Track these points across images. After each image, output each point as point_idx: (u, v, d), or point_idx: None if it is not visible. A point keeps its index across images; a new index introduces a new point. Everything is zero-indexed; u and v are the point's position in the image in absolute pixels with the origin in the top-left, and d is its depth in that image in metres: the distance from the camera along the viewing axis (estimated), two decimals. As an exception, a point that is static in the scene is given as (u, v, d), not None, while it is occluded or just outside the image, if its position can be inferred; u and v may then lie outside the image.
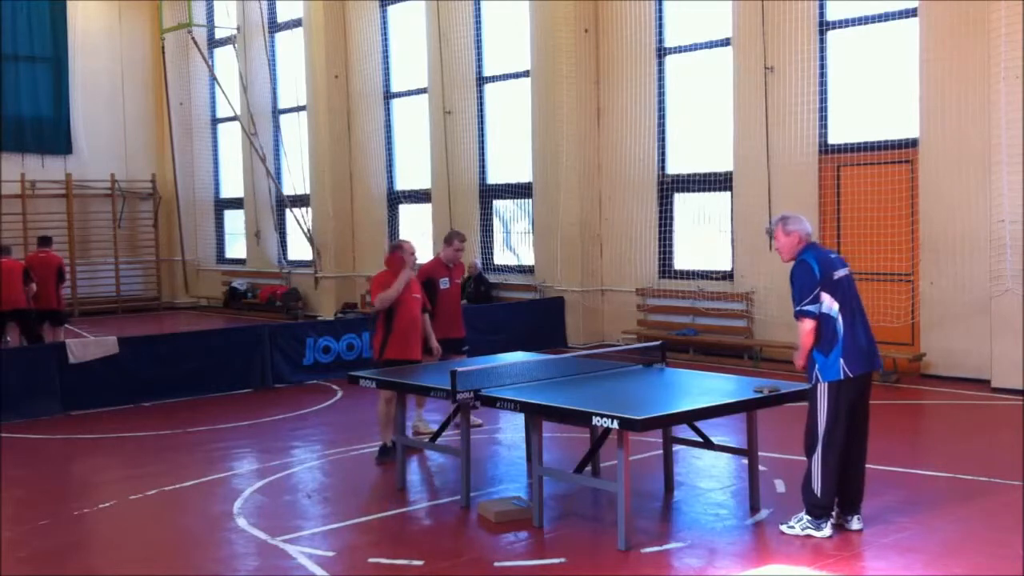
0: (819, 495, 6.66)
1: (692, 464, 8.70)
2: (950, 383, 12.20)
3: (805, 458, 6.82)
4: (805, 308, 6.66)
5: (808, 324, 6.65)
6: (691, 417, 7.17)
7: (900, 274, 12.97)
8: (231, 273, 23.77)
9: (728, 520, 7.24)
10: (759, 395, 7.15)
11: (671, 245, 15.76)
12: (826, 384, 6.66)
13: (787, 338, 14.00)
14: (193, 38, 22.32)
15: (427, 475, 8.86)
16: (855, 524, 6.80)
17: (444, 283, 10.15)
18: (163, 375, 12.41)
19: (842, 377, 6.63)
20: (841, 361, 6.62)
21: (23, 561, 6.81)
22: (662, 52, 15.74)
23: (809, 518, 6.71)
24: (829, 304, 6.66)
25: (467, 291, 17.23)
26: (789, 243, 6.83)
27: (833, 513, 6.81)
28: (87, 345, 12.15)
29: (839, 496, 6.78)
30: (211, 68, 23.31)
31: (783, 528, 6.80)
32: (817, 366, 6.69)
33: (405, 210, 20.19)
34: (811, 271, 6.68)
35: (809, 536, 6.67)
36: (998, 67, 11.62)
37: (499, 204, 18.38)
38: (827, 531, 6.68)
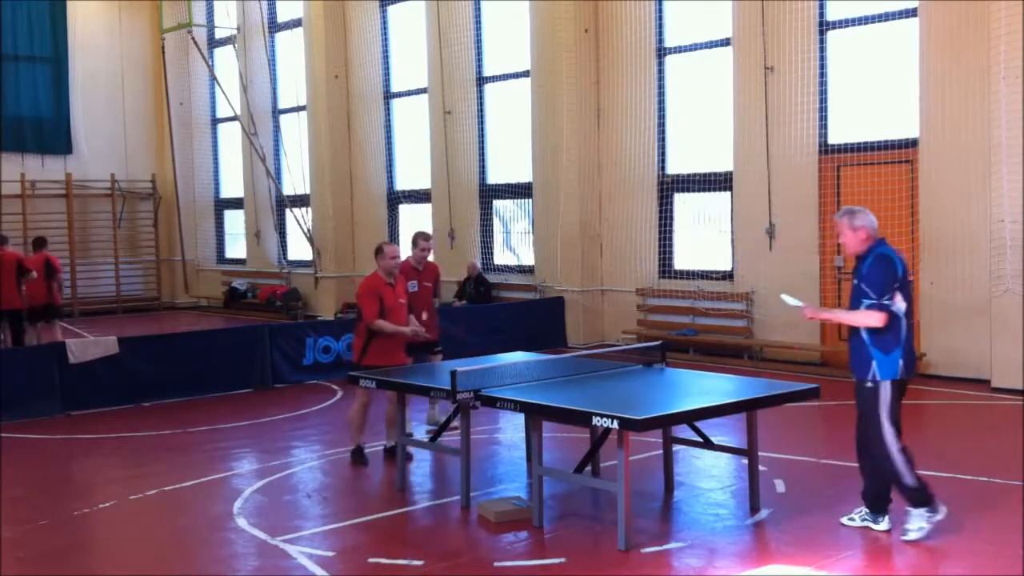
0: (914, 484, 6.60)
1: (692, 464, 8.70)
2: (950, 383, 12.19)
3: (860, 466, 6.84)
4: (885, 303, 6.52)
5: (882, 317, 6.51)
6: (691, 417, 7.16)
7: (900, 274, 12.96)
8: (231, 273, 23.77)
9: (728, 520, 7.24)
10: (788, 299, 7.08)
11: (671, 245, 15.76)
12: (888, 382, 6.58)
13: (787, 338, 14.03)
14: (193, 38, 22.32)
15: (427, 475, 8.86)
16: (885, 524, 6.80)
17: (412, 286, 10.10)
18: (163, 375, 12.40)
19: (898, 377, 6.59)
20: (900, 362, 6.58)
21: (23, 561, 6.81)
22: (662, 52, 15.74)
23: (921, 510, 6.62)
24: (899, 303, 6.60)
25: (467, 291, 17.26)
26: (856, 239, 6.71)
27: (865, 511, 6.84)
28: (87, 345, 12.15)
29: (871, 496, 6.80)
30: (211, 68, 23.31)
31: (908, 538, 6.58)
32: (875, 364, 6.60)
33: (405, 210, 20.20)
34: (894, 267, 6.60)
35: (934, 525, 6.58)
36: (998, 67, 11.62)
37: (499, 204, 18.38)
38: (943, 509, 6.63)
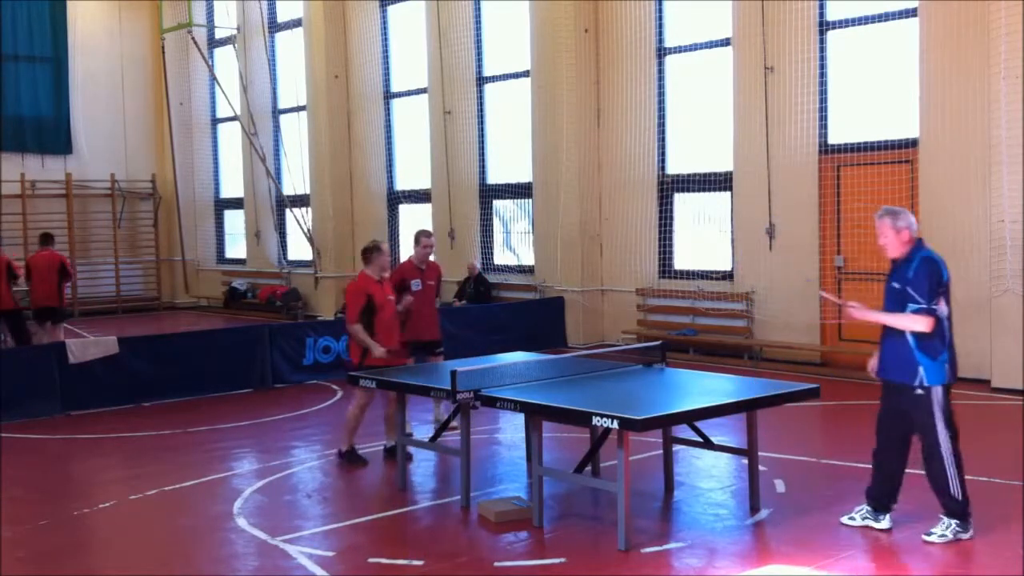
0: (959, 497, 6.57)
1: (692, 464, 8.70)
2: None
3: (874, 464, 6.81)
4: (934, 307, 6.46)
5: (931, 322, 6.45)
6: (691, 417, 7.17)
7: (900, 274, 12.95)
8: (231, 273, 23.77)
9: (728, 520, 7.24)
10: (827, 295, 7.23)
11: (671, 245, 15.76)
12: (939, 388, 6.53)
13: (787, 338, 14.03)
14: (193, 38, 22.31)
15: (427, 475, 8.86)
16: (886, 523, 6.80)
17: (416, 285, 10.11)
18: (163, 375, 12.40)
19: (947, 381, 6.56)
20: (947, 367, 6.55)
21: (23, 561, 6.81)
22: (662, 52, 15.73)
23: (957, 522, 6.58)
24: (943, 308, 6.55)
25: (467, 292, 17.26)
26: (899, 240, 6.62)
27: (866, 509, 6.85)
28: (87, 345, 12.15)
29: (876, 494, 6.80)
30: (211, 68, 23.31)
31: (931, 539, 6.55)
32: (923, 370, 6.52)
33: (405, 210, 20.20)
34: (939, 272, 6.54)
35: (959, 540, 6.53)
36: (998, 67, 11.62)
37: (499, 204, 18.38)
38: (972, 532, 6.60)
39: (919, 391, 6.56)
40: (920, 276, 6.50)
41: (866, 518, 6.86)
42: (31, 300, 15.12)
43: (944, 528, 6.58)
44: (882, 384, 6.84)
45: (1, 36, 22.00)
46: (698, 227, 15.78)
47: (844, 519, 6.95)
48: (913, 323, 6.49)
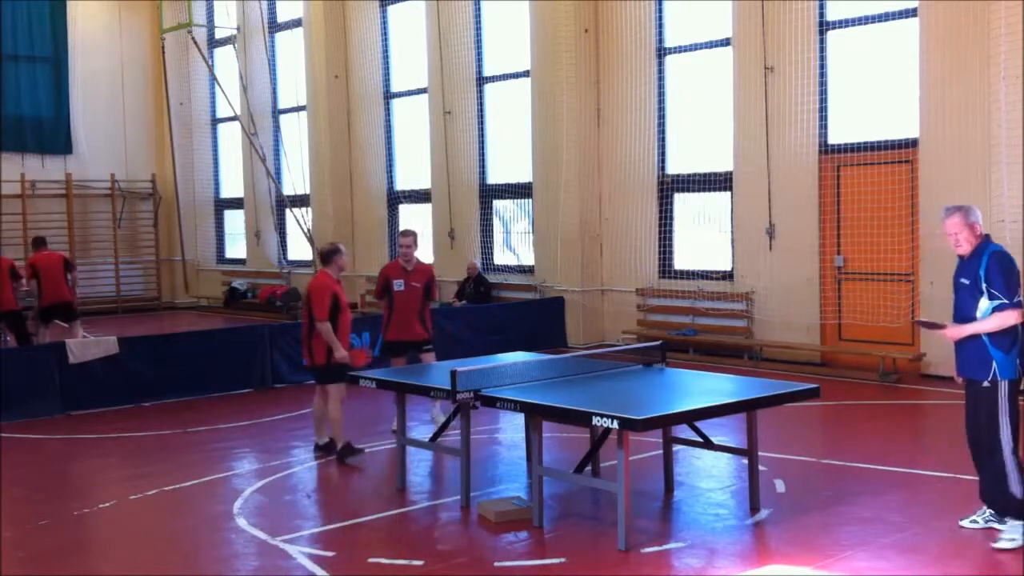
0: (1020, 495, 6.46)
1: (692, 464, 8.70)
2: (950, 383, 12.14)
3: (976, 465, 6.66)
4: (1019, 300, 6.41)
5: (1020, 314, 6.39)
6: (691, 417, 7.17)
7: (900, 274, 12.97)
8: (231, 273, 23.77)
9: (728, 520, 7.24)
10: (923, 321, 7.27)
11: (671, 245, 15.76)
12: (1006, 382, 6.48)
13: (786, 338, 14.03)
14: (193, 38, 22.31)
15: (427, 475, 8.86)
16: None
17: (398, 285, 10.12)
18: (163, 375, 12.40)
19: (1016, 376, 6.51)
20: (1017, 360, 6.51)
21: (23, 561, 6.81)
22: (662, 52, 15.73)
23: (1019, 523, 6.43)
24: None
25: (467, 292, 17.26)
26: (972, 236, 6.59)
27: (989, 512, 6.70)
28: (87, 345, 12.15)
29: (991, 496, 6.66)
30: (211, 68, 23.31)
31: (1000, 546, 6.41)
32: (995, 363, 6.48)
33: (405, 210, 20.19)
34: (1014, 263, 6.51)
35: None
36: (998, 67, 11.63)
37: (499, 204, 18.38)
38: None
39: (987, 384, 6.51)
40: (995, 272, 6.45)
41: (990, 521, 6.69)
42: (40, 299, 15.01)
43: (1012, 531, 6.41)
44: (965, 385, 6.73)
45: (1, 36, 22.00)
46: (698, 227, 15.78)
47: (965, 522, 6.76)
48: (1004, 320, 6.42)
